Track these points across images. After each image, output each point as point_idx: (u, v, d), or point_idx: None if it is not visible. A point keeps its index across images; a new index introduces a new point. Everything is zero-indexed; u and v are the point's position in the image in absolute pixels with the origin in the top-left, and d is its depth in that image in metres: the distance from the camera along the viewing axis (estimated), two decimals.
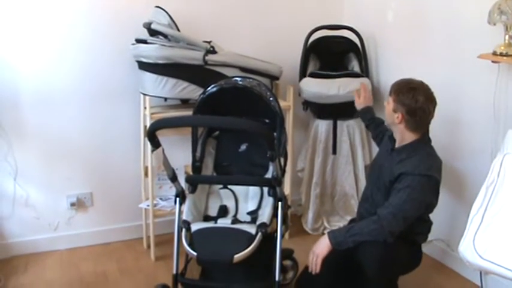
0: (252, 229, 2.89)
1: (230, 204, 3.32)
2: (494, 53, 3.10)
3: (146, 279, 3.75)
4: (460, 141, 3.62)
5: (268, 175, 3.28)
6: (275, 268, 2.94)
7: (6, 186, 3.95)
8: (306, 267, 3.26)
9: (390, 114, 3.07)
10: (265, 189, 3.26)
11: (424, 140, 3.10)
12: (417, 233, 3.18)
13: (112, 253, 4.15)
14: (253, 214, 3.23)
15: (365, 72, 4.26)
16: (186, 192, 3.17)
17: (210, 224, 3.07)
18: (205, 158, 3.36)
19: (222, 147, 3.46)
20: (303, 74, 4.31)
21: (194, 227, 2.94)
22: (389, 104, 3.07)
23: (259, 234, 2.84)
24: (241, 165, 3.40)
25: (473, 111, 3.49)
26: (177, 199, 3.11)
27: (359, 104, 3.68)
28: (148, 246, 4.12)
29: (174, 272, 2.99)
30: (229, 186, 3.36)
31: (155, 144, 2.74)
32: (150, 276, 3.80)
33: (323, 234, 3.79)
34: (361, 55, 4.30)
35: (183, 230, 2.91)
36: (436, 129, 3.76)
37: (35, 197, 4.05)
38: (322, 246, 2.98)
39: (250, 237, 2.83)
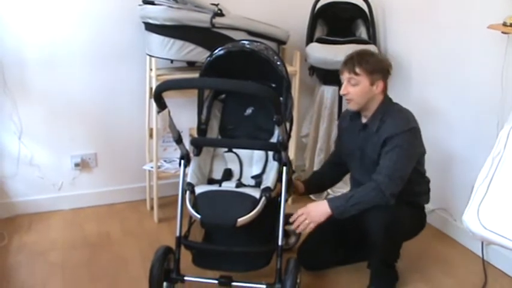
0: (256, 193, 2.89)
1: (235, 167, 3.31)
2: (504, 24, 3.06)
3: (149, 241, 3.77)
4: (466, 111, 3.61)
5: (273, 140, 3.28)
6: (278, 233, 2.94)
7: (10, 145, 3.96)
8: (310, 234, 3.28)
9: (367, 91, 3.00)
10: (270, 153, 3.25)
11: (387, 100, 3.09)
12: (418, 193, 3.20)
13: (115, 214, 4.18)
14: (258, 178, 3.22)
15: (372, 39, 4.23)
16: (191, 154, 3.16)
17: (214, 187, 3.05)
18: (210, 121, 3.34)
19: (227, 110, 3.43)
20: (310, 39, 4.28)
21: (198, 189, 2.94)
22: (360, 83, 2.98)
23: (264, 198, 2.83)
24: (247, 129, 3.37)
25: (481, 82, 3.46)
26: (182, 161, 3.10)
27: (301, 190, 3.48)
28: (152, 208, 4.15)
29: (178, 234, 2.99)
30: (234, 150, 3.34)
31: (161, 105, 2.70)
32: (153, 237, 3.83)
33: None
34: (369, 22, 4.26)
35: (187, 192, 2.91)
36: (443, 99, 3.76)
37: (40, 157, 4.06)
38: (320, 214, 2.95)
39: (254, 201, 2.82)
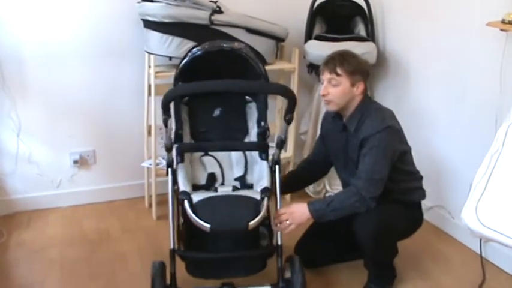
0: (254, 194, 2.81)
1: (216, 171, 3.20)
2: (503, 21, 3.05)
3: (147, 238, 3.79)
4: (464, 108, 3.61)
5: (248, 139, 3.25)
6: (277, 233, 2.91)
7: (9, 143, 3.97)
8: (307, 231, 3.28)
9: (347, 92, 2.96)
10: (250, 153, 3.20)
11: (366, 99, 3.07)
12: (410, 189, 3.17)
13: (114, 211, 4.19)
14: (242, 179, 3.16)
15: (371, 36, 4.23)
16: (174, 162, 3.03)
17: (211, 193, 2.92)
18: (183, 125, 3.21)
19: (195, 113, 3.29)
20: (308, 36, 4.28)
21: (195, 197, 2.77)
22: (340, 84, 2.95)
23: (266, 198, 2.76)
24: (219, 130, 3.27)
25: (479, 79, 3.46)
26: (169, 170, 2.96)
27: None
28: (150, 205, 4.15)
29: (172, 246, 2.88)
30: (211, 153, 3.23)
31: (169, 114, 2.64)
32: (151, 234, 3.84)
33: (324, 197, 3.83)
34: (368, 19, 4.26)
35: (185, 201, 2.73)
36: (441, 97, 3.76)
37: (38, 154, 4.07)
38: (301, 215, 2.91)
39: (257, 203, 2.74)
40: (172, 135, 3.03)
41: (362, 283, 3.19)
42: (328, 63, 2.99)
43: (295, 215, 2.91)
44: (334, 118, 3.16)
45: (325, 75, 2.99)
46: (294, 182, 3.51)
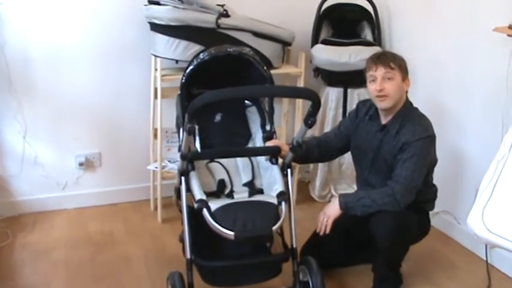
0: (271, 199, 2.81)
1: (224, 177, 3.16)
2: (510, 27, 3.05)
3: (152, 241, 3.79)
4: (470, 113, 3.60)
5: (253, 143, 3.25)
6: (291, 235, 2.90)
7: (15, 145, 3.98)
8: (314, 233, 3.28)
9: (400, 86, 3.01)
10: (256, 159, 3.20)
11: (408, 103, 3.11)
12: (425, 201, 3.21)
13: (119, 214, 4.19)
14: (250, 185, 3.14)
15: (377, 40, 4.23)
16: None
17: (229, 200, 2.89)
18: None
19: (196, 120, 3.29)
20: (315, 40, 4.28)
21: (212, 205, 2.72)
22: (394, 78, 2.97)
23: (283, 203, 2.76)
24: (221, 135, 3.26)
25: (485, 84, 3.45)
26: (183, 178, 2.87)
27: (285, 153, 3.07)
28: (156, 208, 4.15)
29: (188, 256, 2.79)
30: (217, 160, 3.20)
31: (194, 122, 2.55)
32: (156, 237, 3.84)
33: (329, 202, 3.81)
34: (374, 24, 4.25)
35: (204, 210, 2.69)
36: (448, 102, 3.76)
37: (44, 156, 4.08)
38: (334, 209, 3.01)
39: (275, 208, 2.74)
40: (198, 144, 3.06)
41: (367, 287, 3.18)
42: (381, 58, 3.03)
43: (328, 211, 3.03)
44: (371, 116, 3.17)
45: (379, 71, 2.99)
46: (305, 152, 3.21)
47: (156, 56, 3.77)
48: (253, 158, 3.22)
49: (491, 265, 3.48)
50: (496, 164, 2.29)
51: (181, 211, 2.91)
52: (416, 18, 4.05)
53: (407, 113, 3.06)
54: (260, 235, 2.69)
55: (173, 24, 3.62)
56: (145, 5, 3.72)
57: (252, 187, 3.13)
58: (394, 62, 2.99)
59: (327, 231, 3.02)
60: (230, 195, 3.06)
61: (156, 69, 3.80)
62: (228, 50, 3.05)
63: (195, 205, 2.75)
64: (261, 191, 3.09)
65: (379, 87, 2.99)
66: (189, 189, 2.88)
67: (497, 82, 3.31)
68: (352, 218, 3.01)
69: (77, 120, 4.07)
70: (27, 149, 4.01)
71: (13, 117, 3.90)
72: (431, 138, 3.02)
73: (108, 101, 4.10)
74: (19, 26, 3.76)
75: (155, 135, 4.00)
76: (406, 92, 3.08)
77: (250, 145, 3.28)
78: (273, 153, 3.05)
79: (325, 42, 4.21)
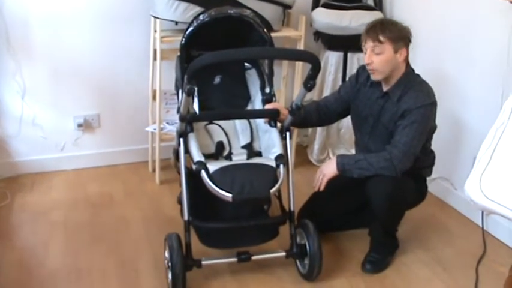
0: (269, 162, 2.84)
1: (223, 140, 3.17)
2: None
3: (150, 202, 3.81)
4: (470, 80, 3.59)
5: (252, 105, 3.25)
6: (289, 198, 2.94)
7: (14, 105, 3.97)
8: (311, 197, 3.30)
9: (391, 59, 2.95)
10: (257, 120, 3.20)
11: (409, 70, 3.07)
12: (423, 167, 3.21)
13: (117, 175, 4.20)
14: (249, 147, 3.15)
15: (378, 5, 4.19)
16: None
17: (227, 162, 2.91)
18: None
19: (196, 82, 3.21)
20: (315, 4, 4.24)
21: (211, 167, 2.74)
22: (384, 51, 2.92)
23: (281, 166, 2.79)
24: (220, 97, 3.26)
25: (487, 51, 3.43)
26: (181, 139, 2.90)
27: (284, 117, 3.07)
28: (154, 170, 4.16)
29: (186, 218, 2.83)
30: (216, 122, 3.20)
31: (194, 83, 2.54)
32: (154, 199, 3.86)
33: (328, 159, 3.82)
34: None
35: (202, 171, 2.71)
36: (448, 70, 3.74)
37: (42, 117, 4.07)
38: (331, 168, 3.01)
39: (273, 170, 2.77)
40: (196, 105, 3.01)
41: (363, 251, 3.21)
42: (370, 31, 2.96)
43: (325, 170, 3.04)
44: (372, 83, 3.13)
45: (368, 44, 2.95)
46: (304, 115, 3.28)
47: (155, 17, 3.73)
48: (252, 121, 3.22)
49: (487, 231, 3.50)
50: (494, 131, 2.29)
51: (179, 173, 2.94)
52: None
53: (409, 80, 3.03)
54: (258, 197, 2.71)
55: None
56: None
57: (251, 149, 3.13)
58: (384, 35, 2.90)
59: (321, 188, 3.03)
60: (228, 157, 3.08)
61: (155, 31, 3.76)
62: (229, 11, 3.03)
63: (194, 167, 2.78)
64: (259, 154, 3.11)
65: (367, 60, 2.98)
66: (187, 151, 2.90)
67: (498, 50, 3.30)
68: (349, 181, 3.02)
69: (76, 81, 4.05)
70: (26, 109, 3.99)
71: (11, 77, 3.88)
72: (432, 105, 3.01)
73: (107, 62, 4.08)
74: None
75: (154, 97, 3.99)
76: (406, 59, 3.03)
77: (249, 108, 3.28)
78: (272, 116, 3.06)
79: (326, 5, 4.17)
